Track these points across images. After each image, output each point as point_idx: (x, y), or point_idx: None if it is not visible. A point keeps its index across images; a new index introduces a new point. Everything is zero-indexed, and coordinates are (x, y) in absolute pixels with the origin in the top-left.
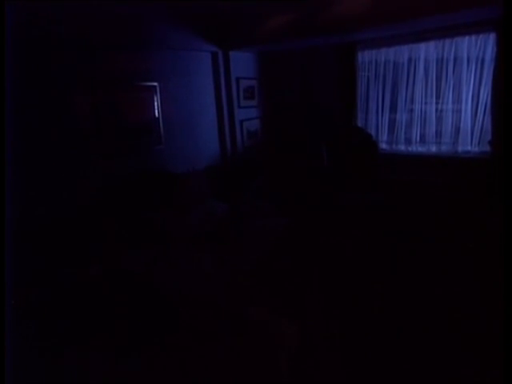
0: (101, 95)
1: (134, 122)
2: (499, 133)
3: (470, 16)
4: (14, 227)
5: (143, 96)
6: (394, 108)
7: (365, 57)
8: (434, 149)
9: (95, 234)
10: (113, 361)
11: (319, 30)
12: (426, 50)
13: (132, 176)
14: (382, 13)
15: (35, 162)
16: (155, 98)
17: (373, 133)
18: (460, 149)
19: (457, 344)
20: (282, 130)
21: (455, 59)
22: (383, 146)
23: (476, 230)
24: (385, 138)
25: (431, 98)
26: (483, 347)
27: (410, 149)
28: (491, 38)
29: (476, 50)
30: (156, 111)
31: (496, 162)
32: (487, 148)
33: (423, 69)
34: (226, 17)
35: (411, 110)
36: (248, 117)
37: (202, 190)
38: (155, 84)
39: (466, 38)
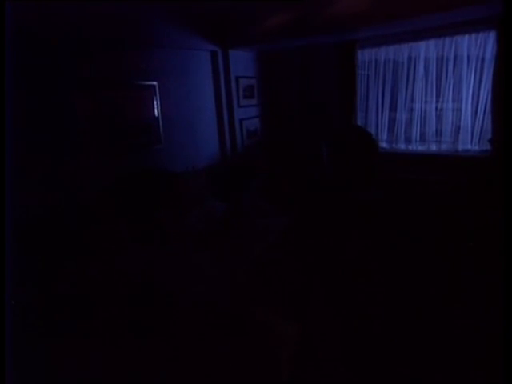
0: (100, 94)
1: (134, 121)
2: (499, 131)
3: (470, 14)
4: (14, 227)
5: (143, 95)
6: (393, 107)
7: (364, 55)
8: (434, 147)
9: (95, 233)
10: (113, 360)
11: (319, 28)
12: (426, 49)
13: (131, 175)
14: (382, 11)
15: (35, 161)
16: (155, 97)
17: (373, 132)
18: (460, 147)
19: (457, 344)
20: (281, 129)
21: (455, 58)
22: (383, 144)
23: (476, 228)
24: (385, 136)
25: (431, 97)
26: (483, 347)
27: (410, 147)
28: (491, 36)
29: (476, 49)
30: (155, 110)
31: (496, 161)
32: (487, 146)
33: (423, 67)
34: (226, 16)
35: (411, 109)
36: (248, 116)
37: (201, 190)
38: (155, 83)
39: (466, 36)
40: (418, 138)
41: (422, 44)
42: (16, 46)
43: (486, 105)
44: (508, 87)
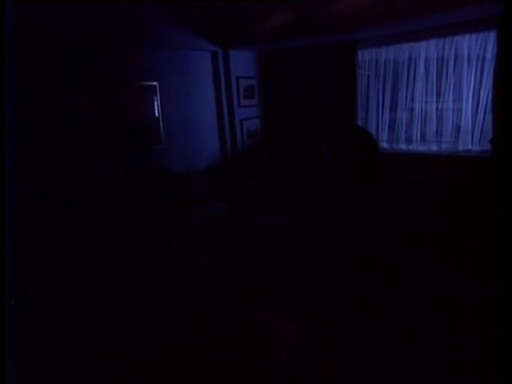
0: (101, 94)
1: (134, 122)
2: (500, 131)
3: (471, 14)
4: (14, 227)
5: (143, 95)
6: (394, 107)
7: (365, 55)
8: (434, 147)
9: (95, 233)
10: (113, 360)
11: (319, 28)
12: (427, 49)
13: (132, 175)
14: (383, 11)
15: (35, 161)
16: (155, 98)
17: (373, 132)
18: (461, 147)
19: (457, 344)
20: (282, 129)
21: (456, 58)
22: (384, 144)
23: (476, 229)
24: (385, 136)
25: (432, 97)
26: (483, 347)
27: (410, 148)
28: (492, 36)
29: (477, 49)
30: (156, 110)
31: (497, 161)
32: (488, 147)
33: (424, 67)
34: (226, 16)
35: (412, 109)
36: (248, 116)
37: (202, 190)
38: (155, 83)
39: (467, 36)
40: (418, 138)
41: (423, 44)
42: (16, 45)
43: (486, 105)
44: (508, 87)
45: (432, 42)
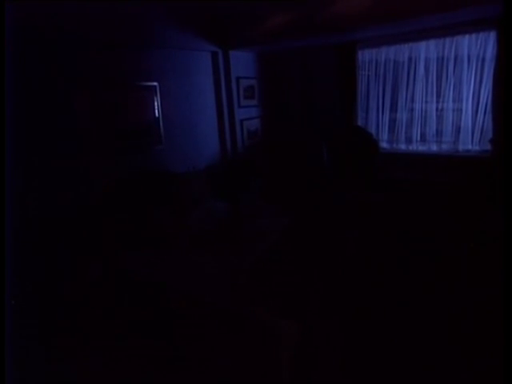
0: (101, 95)
1: (134, 122)
2: (500, 131)
3: (471, 14)
4: (14, 227)
5: (143, 96)
6: (394, 107)
7: (365, 56)
8: (434, 148)
9: (95, 234)
10: (113, 360)
11: (319, 29)
12: (427, 49)
13: (132, 176)
14: (382, 11)
15: (35, 161)
16: (155, 98)
17: (373, 132)
18: (461, 148)
19: (457, 345)
20: (282, 129)
21: (456, 58)
22: (384, 145)
23: (476, 229)
24: (385, 137)
25: (432, 97)
26: (483, 347)
27: (410, 148)
28: (491, 36)
29: (476, 49)
30: (156, 111)
31: (497, 161)
32: (488, 147)
33: (424, 68)
34: (226, 16)
35: (412, 109)
36: (248, 116)
37: (202, 190)
38: (155, 84)
39: (467, 36)
40: (418, 139)
41: (423, 44)
42: (16, 46)
43: (486, 105)
44: (508, 87)
45: (432, 43)
